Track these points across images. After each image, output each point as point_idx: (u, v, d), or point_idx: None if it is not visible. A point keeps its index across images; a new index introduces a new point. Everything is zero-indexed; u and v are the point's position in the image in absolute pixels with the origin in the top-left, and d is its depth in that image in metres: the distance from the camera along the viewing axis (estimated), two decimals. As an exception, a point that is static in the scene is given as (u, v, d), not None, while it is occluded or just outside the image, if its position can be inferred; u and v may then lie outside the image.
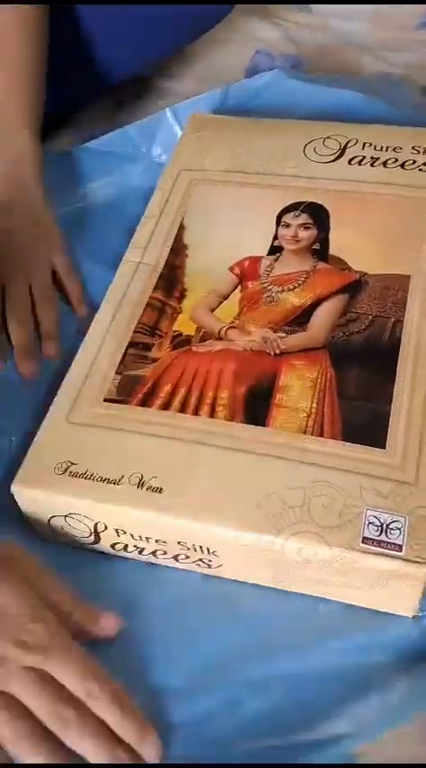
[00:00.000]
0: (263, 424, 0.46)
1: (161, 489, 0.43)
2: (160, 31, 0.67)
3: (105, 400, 0.48)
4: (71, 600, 0.41)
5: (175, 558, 0.46)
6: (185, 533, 0.43)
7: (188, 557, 0.45)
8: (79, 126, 0.72)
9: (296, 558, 0.42)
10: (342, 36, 0.77)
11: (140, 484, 0.44)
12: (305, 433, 0.45)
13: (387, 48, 0.76)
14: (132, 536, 0.45)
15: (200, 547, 0.44)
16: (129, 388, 0.49)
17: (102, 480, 0.44)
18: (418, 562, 0.40)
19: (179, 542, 0.44)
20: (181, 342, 0.51)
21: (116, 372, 0.50)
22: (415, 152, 0.59)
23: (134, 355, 0.50)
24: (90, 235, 0.60)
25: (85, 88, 0.73)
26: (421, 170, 0.58)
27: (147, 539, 0.45)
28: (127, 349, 0.51)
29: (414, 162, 0.58)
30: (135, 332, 0.52)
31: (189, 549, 0.44)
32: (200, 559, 0.45)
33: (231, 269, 0.54)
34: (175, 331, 0.52)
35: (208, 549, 0.44)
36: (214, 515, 0.42)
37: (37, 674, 0.37)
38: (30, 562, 0.41)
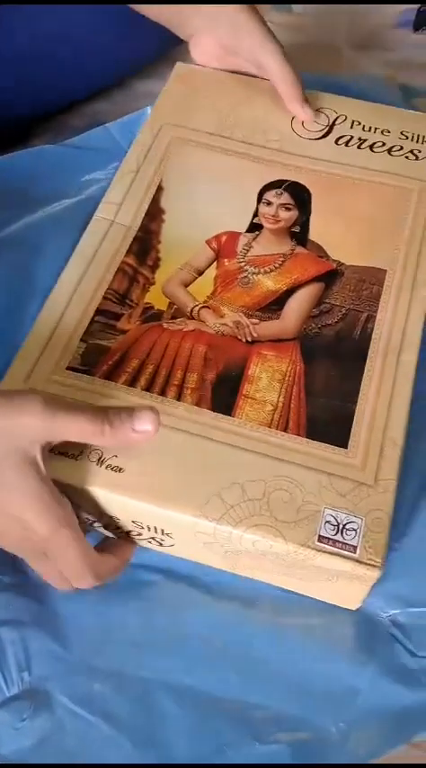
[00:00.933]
0: (230, 414, 0.45)
1: (121, 469, 0.43)
2: (146, 34, 0.66)
3: (68, 368, 0.47)
4: (89, 428, 0.40)
5: (127, 533, 0.46)
6: (142, 515, 0.43)
7: (140, 534, 0.45)
8: (60, 128, 0.71)
9: (251, 549, 0.42)
10: (322, 36, 0.77)
11: (100, 461, 0.43)
12: (270, 426, 0.45)
13: (367, 47, 0.76)
14: (86, 511, 0.44)
15: (155, 527, 0.44)
16: (94, 359, 0.47)
17: (60, 453, 0.43)
18: (370, 564, 0.41)
19: (133, 521, 0.44)
20: (151, 316, 0.49)
21: (81, 340, 0.48)
22: (403, 137, 0.58)
23: (101, 323, 0.49)
24: (69, 232, 0.56)
25: (68, 91, 0.72)
26: (406, 157, 0.57)
27: (101, 514, 0.44)
28: (94, 316, 0.49)
29: (401, 148, 0.57)
30: (104, 298, 0.50)
31: (142, 528, 0.44)
32: (153, 537, 0.45)
33: (208, 242, 0.53)
34: (147, 303, 0.50)
35: (162, 531, 0.44)
36: (173, 501, 0.42)
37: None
38: (34, 424, 0.39)
